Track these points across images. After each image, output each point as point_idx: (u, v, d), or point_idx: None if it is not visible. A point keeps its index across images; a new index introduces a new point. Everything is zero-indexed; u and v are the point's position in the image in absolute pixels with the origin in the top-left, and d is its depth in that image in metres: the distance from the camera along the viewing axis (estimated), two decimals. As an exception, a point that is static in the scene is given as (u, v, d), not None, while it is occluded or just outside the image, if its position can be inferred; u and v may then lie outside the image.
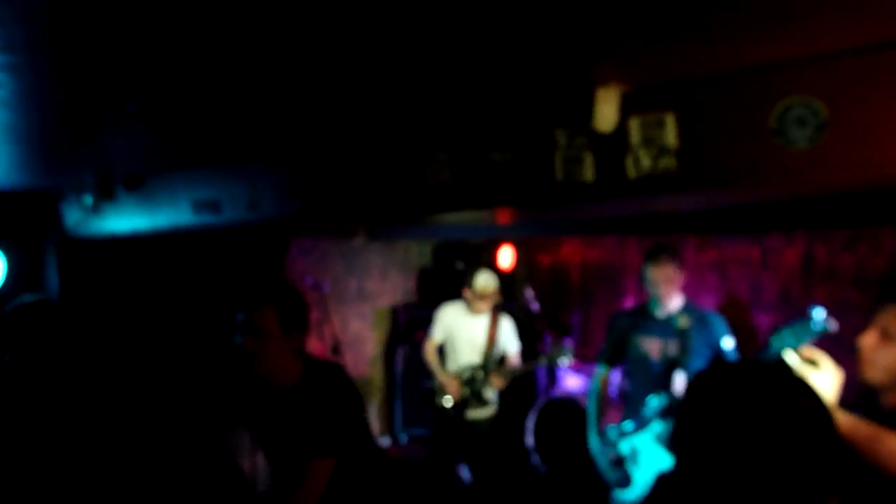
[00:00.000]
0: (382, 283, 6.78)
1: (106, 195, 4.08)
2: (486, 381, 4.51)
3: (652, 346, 3.33)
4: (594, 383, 3.63)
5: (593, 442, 3.45)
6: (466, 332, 4.58)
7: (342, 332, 6.20)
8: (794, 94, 2.02)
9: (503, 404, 4.85)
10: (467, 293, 4.52)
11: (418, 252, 7.13)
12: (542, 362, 4.63)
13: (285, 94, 2.43)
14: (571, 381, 6.06)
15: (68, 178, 4.16)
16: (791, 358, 1.80)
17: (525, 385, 6.51)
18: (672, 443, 1.17)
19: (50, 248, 4.42)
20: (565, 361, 4.48)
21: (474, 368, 4.56)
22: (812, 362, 1.75)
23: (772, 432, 1.05)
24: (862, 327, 1.95)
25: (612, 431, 3.38)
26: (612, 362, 3.60)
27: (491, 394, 4.59)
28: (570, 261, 7.22)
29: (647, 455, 3.22)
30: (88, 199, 4.24)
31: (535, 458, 5.51)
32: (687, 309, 3.31)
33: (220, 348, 4.82)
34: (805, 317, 1.86)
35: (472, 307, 4.52)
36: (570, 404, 5.39)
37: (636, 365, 3.42)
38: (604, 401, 3.59)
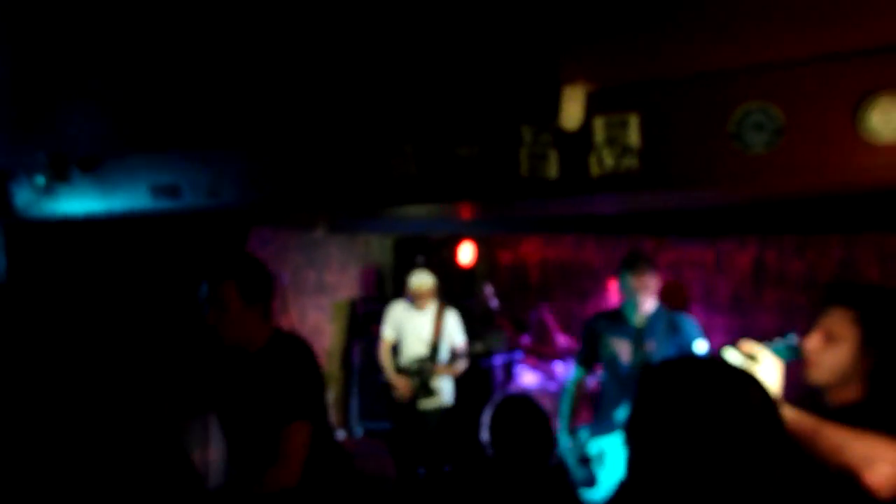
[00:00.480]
0: (341, 276, 6.74)
1: (59, 176, 3.96)
2: (432, 371, 4.67)
3: (622, 348, 3.36)
4: (569, 384, 3.66)
5: (563, 440, 3.48)
6: (413, 327, 4.77)
7: (300, 323, 6.15)
8: (752, 99, 2.08)
9: (458, 399, 4.93)
10: (408, 291, 4.81)
11: (379, 246, 7.11)
12: (478, 349, 4.79)
13: (251, 81, 2.39)
14: (527, 378, 6.12)
15: (20, 157, 4.03)
16: (731, 355, 1.84)
17: (481, 380, 6.56)
18: (625, 436, 1.19)
19: (-2, 229, 4.28)
20: (499, 347, 4.72)
21: (421, 360, 4.71)
22: (752, 357, 1.80)
23: (723, 424, 1.08)
24: (809, 330, 2.02)
25: (582, 432, 3.42)
26: (587, 364, 3.62)
27: (438, 383, 4.71)
28: (530, 259, 7.29)
29: (614, 458, 3.27)
30: (40, 180, 4.11)
31: (490, 453, 5.56)
32: (659, 312, 3.35)
33: (173, 335, 4.73)
34: (778, 340, 1.90)
35: (415, 304, 4.77)
36: (526, 400, 5.44)
37: (607, 366, 3.46)
38: (577, 401, 3.63)
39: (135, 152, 3.74)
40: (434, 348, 4.72)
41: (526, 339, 6.30)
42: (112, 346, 4.35)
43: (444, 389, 4.78)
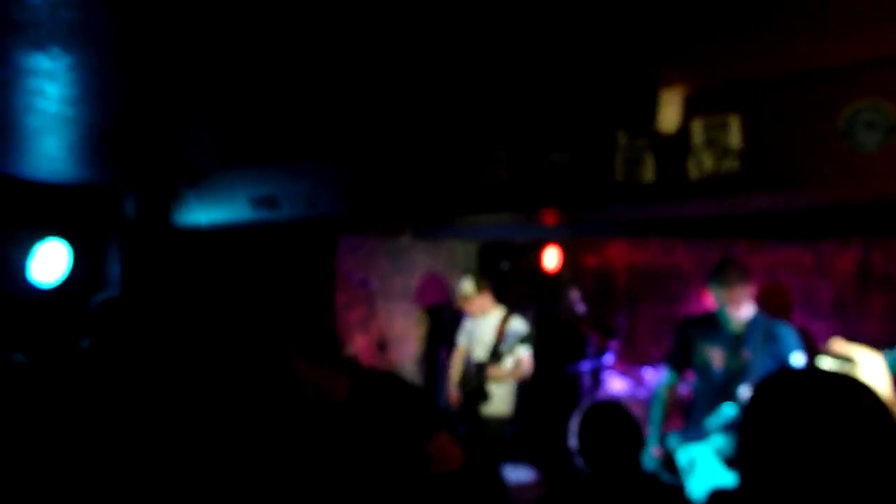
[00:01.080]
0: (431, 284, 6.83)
1: (167, 191, 4.22)
2: (482, 375, 4.61)
3: (716, 356, 3.25)
4: (660, 388, 3.58)
5: (651, 446, 3.41)
6: (480, 334, 4.76)
7: (388, 329, 6.27)
8: (863, 96, 1.99)
9: (544, 407, 4.87)
10: (465, 304, 4.79)
11: (463, 252, 7.17)
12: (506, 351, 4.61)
13: (345, 94, 2.48)
14: (616, 384, 6.03)
15: (131, 173, 4.31)
16: (826, 362, 1.76)
17: (568, 387, 6.50)
18: (738, 456, 1.17)
19: (113, 241, 4.58)
20: (523, 352, 4.55)
21: (478, 365, 4.66)
22: (848, 359, 1.72)
23: (838, 434, 1.04)
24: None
25: (672, 439, 3.34)
26: (679, 368, 3.52)
27: (494, 390, 4.63)
28: (616, 263, 7.17)
29: (704, 467, 3.17)
30: (151, 194, 4.40)
31: (579, 461, 5.50)
32: (757, 320, 3.22)
33: (274, 340, 4.92)
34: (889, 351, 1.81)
35: (471, 313, 4.77)
36: (615, 407, 5.36)
37: (699, 373, 3.35)
38: (668, 407, 3.53)
39: (236, 166, 3.94)
40: (492, 355, 4.63)
41: (614, 345, 6.20)
42: (215, 348, 4.57)
43: (500, 396, 4.67)
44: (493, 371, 4.52)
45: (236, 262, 4.91)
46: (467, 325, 4.90)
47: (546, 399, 6.82)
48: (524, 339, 4.55)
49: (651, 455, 3.36)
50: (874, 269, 5.75)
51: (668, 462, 3.30)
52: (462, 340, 4.92)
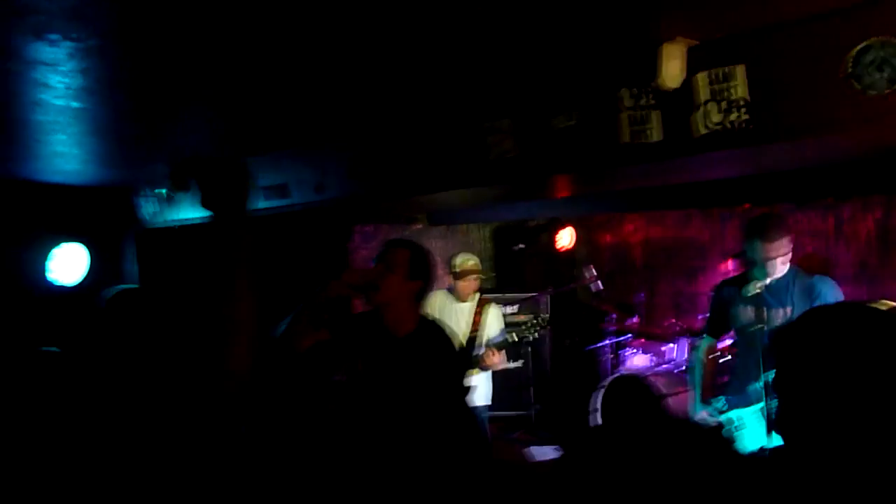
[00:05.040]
0: (444, 265, 6.83)
1: (179, 186, 4.25)
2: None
3: (753, 314, 3.18)
4: (698, 354, 3.52)
5: (697, 410, 3.38)
6: (454, 318, 4.38)
7: (406, 315, 6.27)
8: (869, 36, 1.95)
9: (571, 386, 4.72)
10: (450, 280, 4.48)
11: (478, 235, 7.16)
12: (513, 338, 4.34)
13: (347, 76, 2.48)
14: (637, 360, 5.99)
15: (143, 171, 4.35)
16: None
17: (589, 366, 6.47)
18: (775, 387, 1.13)
19: (129, 239, 4.64)
20: (535, 334, 4.36)
21: None
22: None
23: (879, 372, 0.99)
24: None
25: (719, 401, 3.30)
26: (716, 333, 3.46)
27: (474, 381, 4.28)
28: (633, 239, 7.12)
29: (751, 429, 3.13)
30: (162, 191, 4.43)
31: (602, 436, 5.48)
32: (793, 275, 3.10)
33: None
34: None
35: (456, 293, 4.43)
36: (637, 381, 5.32)
37: (739, 335, 3.30)
38: (708, 371, 3.50)
39: (246, 156, 3.96)
40: (468, 342, 4.33)
41: (634, 322, 6.16)
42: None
43: (482, 386, 4.38)
44: (490, 359, 4.18)
45: (253, 254, 4.94)
46: (436, 307, 4.39)
47: (569, 377, 6.80)
48: (503, 343, 4.32)
49: (704, 418, 3.33)
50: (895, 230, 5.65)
51: (716, 427, 3.27)
52: None
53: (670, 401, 5.09)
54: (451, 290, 4.48)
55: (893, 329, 1.03)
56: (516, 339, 4.35)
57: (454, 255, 4.51)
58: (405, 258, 2.46)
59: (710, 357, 3.48)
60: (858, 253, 5.82)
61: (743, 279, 3.25)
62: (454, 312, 4.43)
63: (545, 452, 5.71)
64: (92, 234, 4.52)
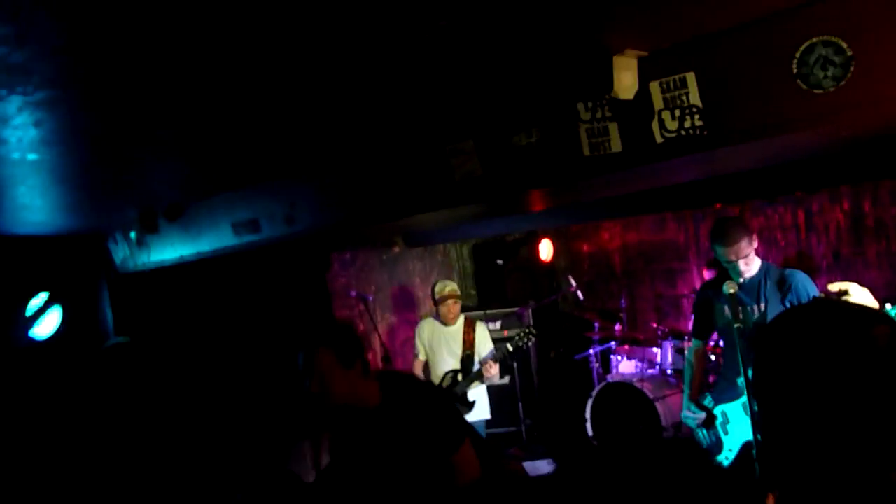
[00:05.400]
0: (425, 287, 6.81)
1: (149, 228, 4.21)
2: (465, 384, 4.52)
3: (733, 313, 3.27)
4: (688, 355, 3.63)
5: (684, 408, 3.45)
6: (445, 342, 4.64)
7: (391, 340, 6.26)
8: (814, 35, 1.99)
9: (562, 398, 4.81)
10: (434, 307, 4.63)
11: (457, 254, 7.16)
12: (508, 349, 4.52)
13: (312, 110, 2.48)
14: (625, 366, 6.00)
15: (113, 217, 4.31)
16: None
17: (579, 375, 6.47)
18: (752, 390, 1.13)
19: (102, 286, 4.58)
20: (527, 339, 4.49)
21: (453, 373, 4.58)
22: (843, 293, 1.70)
23: (848, 365, 0.99)
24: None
25: (706, 398, 3.37)
26: (703, 335, 3.58)
27: (475, 396, 4.57)
28: (610, 246, 7.16)
29: (738, 423, 3.21)
30: (133, 235, 4.39)
31: (596, 445, 5.46)
32: (766, 269, 3.23)
33: (271, 367, 4.91)
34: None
35: (443, 319, 4.60)
36: (626, 387, 5.33)
37: (723, 333, 3.41)
38: (697, 372, 3.56)
39: (214, 195, 3.94)
40: (465, 362, 4.58)
41: (617, 328, 6.18)
42: (216, 379, 4.55)
43: (481, 401, 4.63)
44: (489, 371, 4.38)
45: (229, 291, 4.91)
46: (424, 335, 4.70)
47: (557, 389, 6.79)
48: (500, 354, 4.50)
49: (687, 416, 3.40)
50: (866, 218, 5.74)
51: (706, 422, 3.33)
52: (420, 351, 4.74)
53: (659, 405, 5.10)
54: (437, 317, 4.67)
55: (864, 324, 1.03)
56: (511, 350, 4.52)
57: (434, 283, 4.72)
58: (329, 356, 2.38)
59: (699, 358, 3.55)
60: (830, 244, 5.90)
61: (721, 281, 3.34)
62: (445, 338, 4.67)
63: (539, 467, 5.68)
64: (64, 284, 4.46)
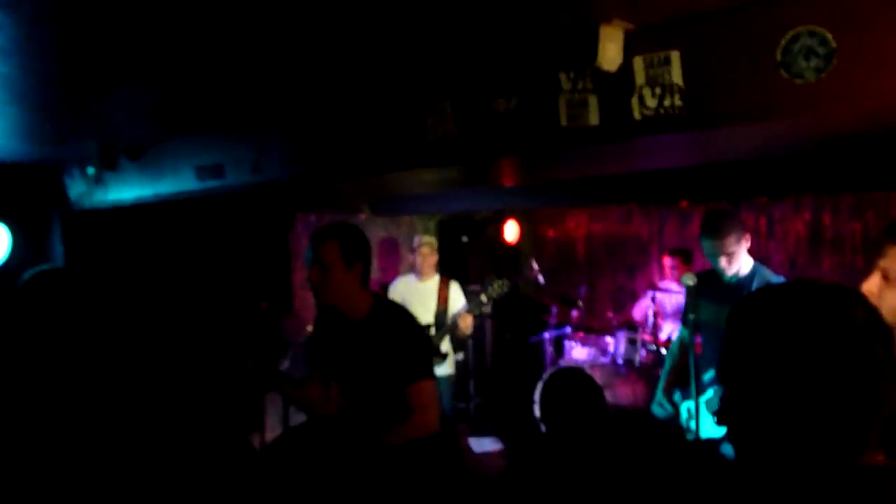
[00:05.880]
0: (388, 259, 6.77)
1: (109, 165, 4.07)
2: (439, 336, 4.67)
3: (715, 310, 3.24)
4: (673, 345, 3.60)
5: (657, 399, 3.43)
6: (419, 298, 4.78)
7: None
8: (800, 24, 1.98)
9: (510, 375, 4.89)
10: (414, 258, 4.89)
11: (423, 227, 7.12)
12: (483, 299, 4.64)
13: (284, 56, 2.40)
14: (578, 353, 6.05)
15: (71, 150, 4.15)
16: None
17: (531, 358, 6.51)
18: (719, 374, 1.10)
19: (55, 220, 4.43)
20: (502, 289, 4.57)
21: (426, 327, 4.69)
22: None
23: (823, 345, 0.96)
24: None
25: (676, 393, 3.37)
26: (689, 325, 3.53)
27: (446, 347, 4.74)
28: (576, 234, 7.20)
29: (705, 419, 3.17)
30: (91, 170, 4.24)
31: (543, 428, 5.52)
32: (755, 271, 3.19)
33: (225, 319, 4.81)
34: None
35: (418, 269, 4.84)
36: (577, 372, 5.38)
37: (703, 328, 3.33)
38: (676, 365, 3.52)
39: (178, 136, 3.82)
40: (438, 314, 4.77)
41: (574, 315, 6.22)
42: (165, 328, 4.45)
43: (450, 356, 4.80)
44: (465, 321, 4.55)
45: (186, 238, 4.79)
46: (401, 287, 4.93)
47: (510, 370, 6.83)
48: (476, 305, 4.67)
49: (657, 409, 3.40)
50: (825, 231, 5.86)
51: (674, 416, 3.34)
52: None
53: (607, 393, 5.16)
54: (413, 270, 4.91)
55: (844, 303, 1.00)
56: (484, 301, 4.66)
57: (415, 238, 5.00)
58: (335, 250, 2.45)
59: (681, 348, 3.51)
60: (788, 252, 6.03)
61: (710, 274, 3.31)
62: (419, 293, 4.83)
63: (485, 444, 5.71)
64: (15, 214, 4.30)
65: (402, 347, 2.46)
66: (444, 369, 4.69)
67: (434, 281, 4.85)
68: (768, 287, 1.10)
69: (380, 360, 2.47)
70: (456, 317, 4.60)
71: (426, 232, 7.13)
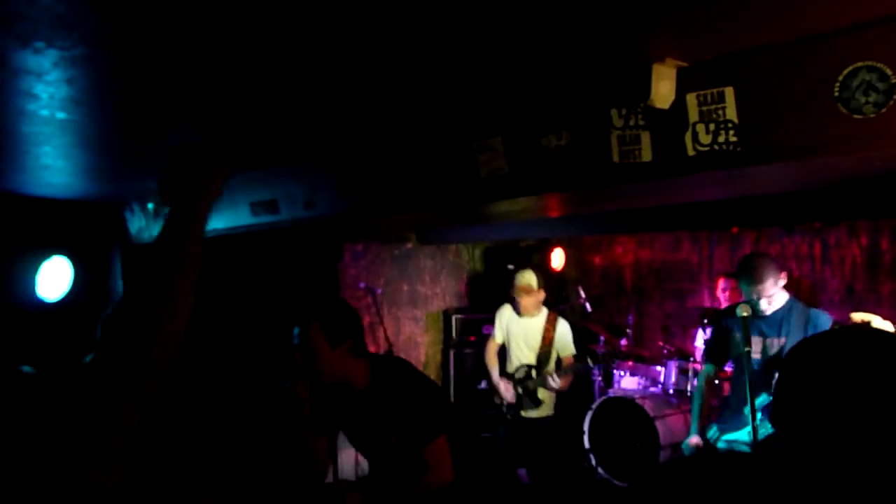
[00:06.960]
0: (434, 286, 6.80)
1: (167, 201, 4.21)
2: (538, 381, 4.48)
3: (753, 344, 3.22)
4: (700, 381, 3.58)
5: (689, 436, 3.39)
6: (522, 332, 4.61)
7: (395, 335, 6.24)
8: (859, 60, 1.96)
9: (560, 406, 4.79)
10: (512, 293, 4.59)
11: (469, 255, 7.15)
12: (590, 363, 4.63)
13: (336, 94, 2.47)
14: (627, 383, 5.96)
15: (132, 186, 4.31)
16: None
17: (580, 387, 6.42)
18: (772, 418, 1.12)
19: (115, 254, 4.58)
20: (610, 366, 4.57)
21: (528, 367, 4.55)
22: (866, 323, 1.69)
23: (876, 393, 0.98)
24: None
25: (711, 429, 3.32)
26: (717, 361, 3.52)
27: (544, 395, 4.55)
28: (623, 261, 7.12)
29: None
30: (151, 206, 4.40)
31: (591, 459, 5.43)
32: (792, 306, 3.19)
33: (281, 349, 4.89)
34: None
35: (520, 308, 4.56)
36: (627, 402, 5.29)
37: (736, 362, 3.34)
38: (706, 399, 3.50)
39: (234, 173, 3.93)
40: (541, 357, 4.54)
41: (623, 343, 6.14)
42: (224, 358, 4.55)
43: (547, 400, 4.63)
44: (563, 382, 4.37)
45: (240, 271, 4.90)
46: (505, 321, 4.67)
47: (558, 399, 6.74)
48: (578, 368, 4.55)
49: (690, 444, 3.35)
50: (883, 255, 5.68)
51: (708, 451, 3.29)
52: (497, 334, 4.71)
53: (658, 424, 5.06)
54: (515, 307, 4.61)
55: (887, 349, 1.03)
56: (591, 365, 4.65)
57: (517, 272, 4.61)
58: (317, 332, 2.39)
59: (709, 384, 3.50)
60: (844, 278, 5.85)
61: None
62: (523, 329, 4.59)
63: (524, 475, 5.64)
64: (78, 249, 4.47)
65: (412, 412, 2.42)
66: (540, 411, 4.52)
67: (541, 317, 4.58)
68: (823, 333, 1.13)
69: (395, 424, 2.45)
70: (557, 370, 4.41)
71: (471, 260, 7.15)
